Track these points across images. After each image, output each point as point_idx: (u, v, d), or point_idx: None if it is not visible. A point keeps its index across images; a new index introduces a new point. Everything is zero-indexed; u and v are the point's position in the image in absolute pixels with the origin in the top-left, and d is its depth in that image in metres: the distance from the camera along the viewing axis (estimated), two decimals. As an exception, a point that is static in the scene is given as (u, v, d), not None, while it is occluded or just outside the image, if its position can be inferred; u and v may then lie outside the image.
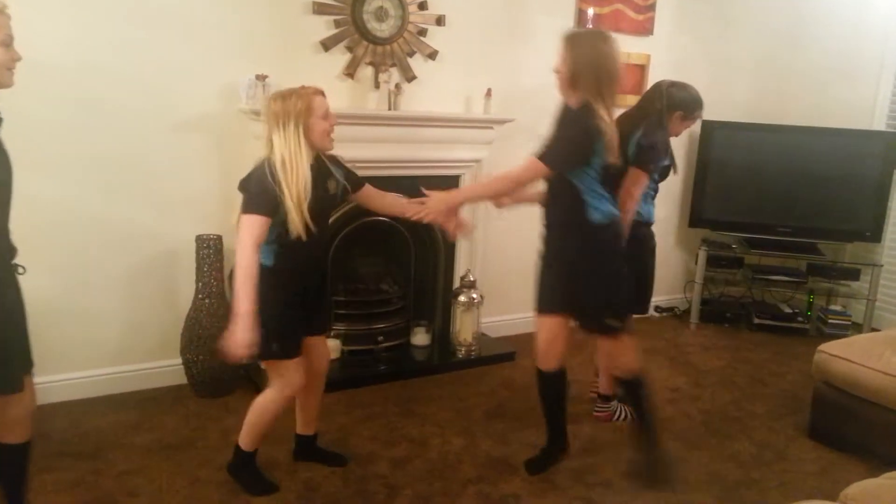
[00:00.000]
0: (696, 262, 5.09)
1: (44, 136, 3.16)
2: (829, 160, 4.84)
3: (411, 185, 3.95)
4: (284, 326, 2.54)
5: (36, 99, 3.12)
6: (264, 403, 2.65)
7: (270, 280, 2.45)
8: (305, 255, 2.55)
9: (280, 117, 2.41)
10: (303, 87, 2.44)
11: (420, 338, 4.19)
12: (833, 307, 5.09)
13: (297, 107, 2.40)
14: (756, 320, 5.00)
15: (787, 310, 5.10)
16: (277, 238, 2.46)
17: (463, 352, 4.14)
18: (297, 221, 2.39)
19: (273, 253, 2.49)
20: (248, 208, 2.39)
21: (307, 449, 2.96)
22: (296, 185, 2.38)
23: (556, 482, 2.94)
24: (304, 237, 2.43)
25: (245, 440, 2.72)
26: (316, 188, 2.46)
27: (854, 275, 4.96)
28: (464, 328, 4.13)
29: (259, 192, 2.39)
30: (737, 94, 5.16)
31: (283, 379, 2.61)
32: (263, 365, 2.67)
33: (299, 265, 2.56)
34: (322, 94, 2.50)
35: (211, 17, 3.39)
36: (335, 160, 2.65)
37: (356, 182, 2.75)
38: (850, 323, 4.96)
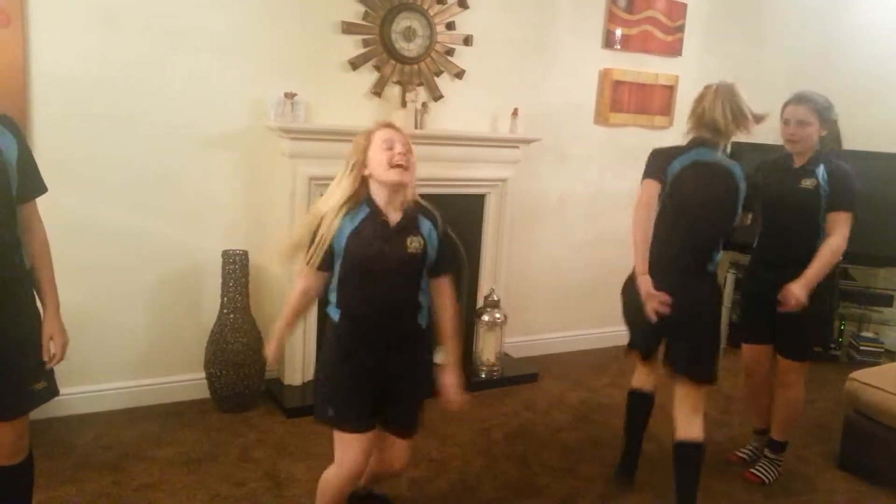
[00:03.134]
0: (724, 286, 5.01)
1: (73, 150, 3.21)
2: (862, 183, 4.73)
3: (438, 204, 3.97)
4: (344, 391, 2.24)
5: (66, 114, 3.18)
6: (326, 479, 2.33)
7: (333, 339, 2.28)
8: (364, 318, 2.24)
9: (346, 160, 2.22)
10: (374, 124, 2.23)
11: (442, 357, 4.16)
12: (865, 334, 4.98)
13: (358, 143, 2.19)
14: (785, 346, 4.90)
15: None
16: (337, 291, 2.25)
17: (485, 372, 4.11)
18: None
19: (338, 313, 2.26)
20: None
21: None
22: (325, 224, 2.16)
23: (577, 507, 2.91)
24: (367, 294, 2.20)
25: None
26: (386, 241, 2.16)
27: (887, 301, 4.85)
28: (486, 348, 4.10)
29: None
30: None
31: (341, 452, 2.27)
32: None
33: (358, 325, 2.25)
34: (390, 126, 2.23)
35: (241, 35, 3.44)
36: (431, 214, 2.28)
37: (438, 267, 2.29)
38: (882, 350, 4.84)
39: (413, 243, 2.19)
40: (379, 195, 2.19)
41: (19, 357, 1.99)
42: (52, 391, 2.11)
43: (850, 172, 2.95)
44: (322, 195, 2.28)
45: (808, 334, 3.02)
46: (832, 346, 4.80)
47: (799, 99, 3.00)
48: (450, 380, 2.36)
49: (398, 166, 2.13)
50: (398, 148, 2.15)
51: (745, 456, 3.35)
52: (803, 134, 2.95)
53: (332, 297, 2.27)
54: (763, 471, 3.19)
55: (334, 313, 2.27)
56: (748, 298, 3.27)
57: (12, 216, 1.95)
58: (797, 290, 2.77)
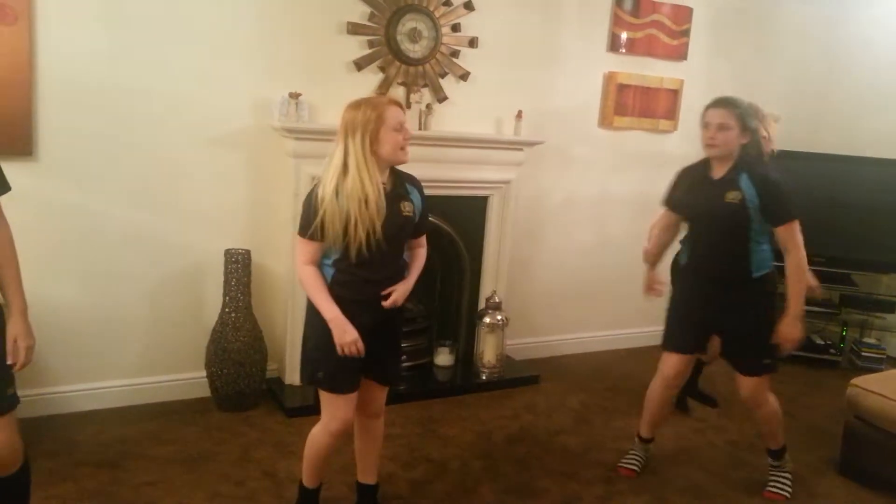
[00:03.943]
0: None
1: (79, 148, 3.22)
2: (864, 189, 4.74)
3: (440, 205, 3.99)
4: (337, 357, 2.31)
5: (72, 112, 3.19)
6: (313, 435, 2.50)
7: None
8: (369, 284, 2.35)
9: (347, 126, 2.25)
10: (377, 96, 2.30)
11: (443, 358, 4.17)
12: (867, 340, 4.97)
13: (367, 115, 2.23)
14: (787, 351, 4.90)
15: (819, 341, 4.99)
16: (336, 262, 2.33)
17: (486, 374, 4.11)
18: (357, 241, 2.22)
19: (331, 277, 2.35)
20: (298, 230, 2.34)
21: (364, 501, 2.74)
22: (360, 206, 2.20)
23: (577, 510, 2.91)
24: (366, 260, 2.27)
25: (304, 475, 2.60)
26: (386, 207, 2.26)
27: (889, 307, 4.85)
28: (488, 350, 4.10)
29: (305, 213, 2.29)
30: (771, 121, 5.10)
31: (330, 411, 2.43)
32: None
33: (360, 294, 2.35)
34: (398, 105, 2.31)
35: (246, 35, 3.44)
36: (413, 179, 2.46)
37: (420, 224, 2.48)
38: (884, 357, 4.84)
39: (406, 207, 2.36)
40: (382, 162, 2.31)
41: None
42: (16, 398, 2.01)
43: (780, 180, 2.80)
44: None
45: (758, 350, 2.91)
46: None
47: (719, 102, 2.86)
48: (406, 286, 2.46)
49: (404, 150, 2.30)
50: (406, 134, 2.30)
51: (632, 466, 3.22)
52: (723, 139, 2.79)
53: (328, 266, 2.35)
54: (779, 486, 3.11)
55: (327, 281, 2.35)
56: (680, 308, 3.08)
57: None
58: (790, 331, 2.80)
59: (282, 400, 3.59)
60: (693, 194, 2.96)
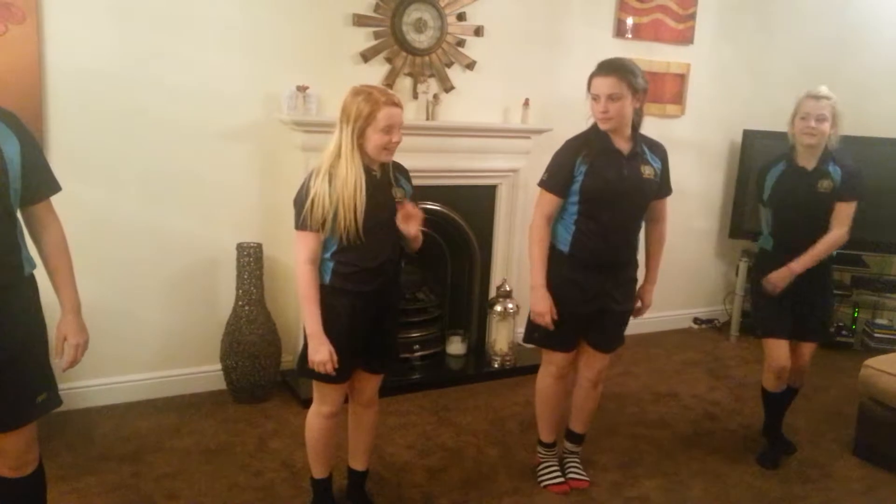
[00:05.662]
0: (736, 274, 5.01)
1: (89, 144, 3.24)
2: (875, 170, 4.70)
3: (449, 195, 4.00)
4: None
5: (81, 109, 3.21)
6: (307, 421, 2.57)
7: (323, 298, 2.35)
8: (369, 273, 2.35)
9: (343, 113, 2.27)
10: (379, 91, 2.27)
11: (455, 347, 4.19)
12: (879, 321, 4.97)
13: (360, 109, 2.24)
14: (799, 334, 4.89)
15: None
16: (334, 254, 2.34)
17: (498, 362, 4.12)
18: (347, 225, 2.24)
19: (331, 271, 2.36)
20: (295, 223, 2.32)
21: (351, 486, 2.77)
22: (344, 189, 2.23)
23: (592, 495, 2.92)
24: (363, 246, 2.29)
25: (311, 466, 2.64)
26: (374, 195, 2.29)
27: (901, 288, 4.84)
28: (499, 338, 4.11)
29: (298, 206, 2.30)
30: (779, 102, 5.04)
31: (319, 395, 2.51)
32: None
33: (361, 284, 2.36)
34: (395, 104, 2.27)
35: (254, 28, 3.45)
36: (402, 169, 2.49)
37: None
38: (897, 337, 4.84)
39: (398, 194, 2.41)
40: (366, 156, 2.32)
41: (13, 368, 1.85)
42: (54, 402, 1.98)
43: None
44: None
45: (624, 324, 2.87)
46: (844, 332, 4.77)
47: (605, 68, 2.55)
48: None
49: (388, 150, 2.30)
50: (395, 136, 2.29)
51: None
52: (616, 110, 2.53)
53: (327, 260, 2.36)
54: (581, 471, 3.01)
55: (324, 274, 2.36)
56: (564, 304, 2.75)
57: (9, 219, 1.83)
58: (650, 297, 2.89)
59: (297, 391, 3.61)
60: (609, 174, 2.60)
